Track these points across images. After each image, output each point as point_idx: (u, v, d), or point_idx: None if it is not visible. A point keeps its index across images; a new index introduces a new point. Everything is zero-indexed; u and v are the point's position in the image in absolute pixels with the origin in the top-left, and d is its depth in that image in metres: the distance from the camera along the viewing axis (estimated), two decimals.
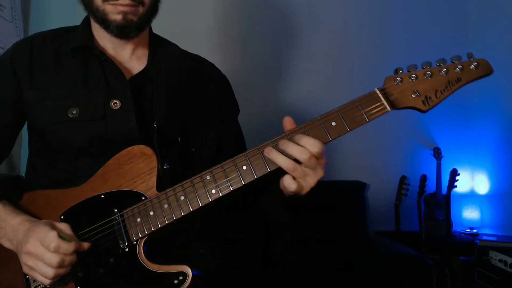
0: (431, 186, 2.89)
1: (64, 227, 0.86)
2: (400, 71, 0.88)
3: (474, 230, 2.91)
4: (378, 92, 0.86)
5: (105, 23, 0.98)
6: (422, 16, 3.04)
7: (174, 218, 0.87)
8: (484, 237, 2.72)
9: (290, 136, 0.85)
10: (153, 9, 1.02)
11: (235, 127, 1.21)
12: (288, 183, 0.85)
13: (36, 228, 0.84)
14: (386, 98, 0.85)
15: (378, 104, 0.85)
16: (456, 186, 2.85)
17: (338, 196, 2.64)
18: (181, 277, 0.85)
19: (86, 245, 0.87)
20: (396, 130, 3.00)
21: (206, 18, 2.94)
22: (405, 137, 3.00)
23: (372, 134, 2.97)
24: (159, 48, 1.09)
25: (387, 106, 0.85)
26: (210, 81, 1.15)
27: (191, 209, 0.87)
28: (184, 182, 0.88)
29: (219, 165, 0.87)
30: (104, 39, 1.05)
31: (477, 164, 3.04)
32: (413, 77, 0.87)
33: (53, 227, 0.85)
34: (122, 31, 0.98)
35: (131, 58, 1.06)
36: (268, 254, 2.34)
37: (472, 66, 0.86)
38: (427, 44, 2.98)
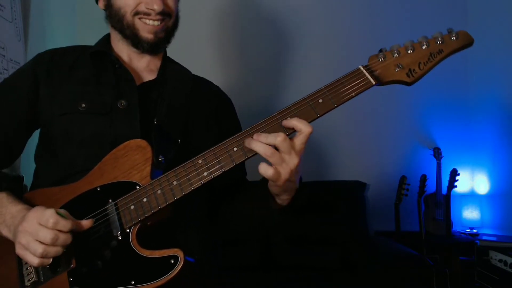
0: (431, 186, 2.89)
1: (63, 211, 0.87)
2: (384, 50, 0.91)
3: (474, 230, 2.91)
4: (362, 68, 0.88)
5: (136, 39, 1.04)
6: (421, 16, 3.04)
7: (167, 202, 0.87)
8: (484, 237, 2.73)
9: (279, 117, 0.86)
10: (177, 22, 1.09)
11: None
12: (264, 169, 0.85)
13: (34, 209, 0.86)
14: (370, 73, 0.87)
15: (363, 79, 0.87)
16: (456, 186, 2.85)
17: (338, 196, 2.64)
18: (172, 260, 0.85)
19: (85, 223, 0.87)
20: (396, 130, 3.00)
21: (204, 19, 2.94)
22: (405, 137, 3.00)
23: (372, 134, 2.98)
24: (171, 66, 1.15)
25: (372, 80, 0.87)
26: (214, 98, 1.19)
27: (183, 193, 0.87)
28: (176, 168, 0.89)
29: (210, 149, 0.89)
30: (122, 51, 1.10)
31: (477, 164, 3.05)
32: (395, 52, 0.89)
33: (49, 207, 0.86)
34: (153, 48, 1.06)
35: (144, 70, 1.12)
36: (268, 254, 2.34)
37: (453, 37, 0.89)
38: None
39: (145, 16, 1.02)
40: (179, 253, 0.85)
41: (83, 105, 1.00)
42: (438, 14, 3.06)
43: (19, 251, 0.87)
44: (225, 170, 0.87)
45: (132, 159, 0.92)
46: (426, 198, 2.90)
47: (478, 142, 3.03)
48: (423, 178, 2.81)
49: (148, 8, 1.00)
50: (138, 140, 0.94)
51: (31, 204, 0.95)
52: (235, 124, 1.23)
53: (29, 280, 0.91)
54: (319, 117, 0.87)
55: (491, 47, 2.89)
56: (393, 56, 0.89)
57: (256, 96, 2.88)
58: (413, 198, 2.81)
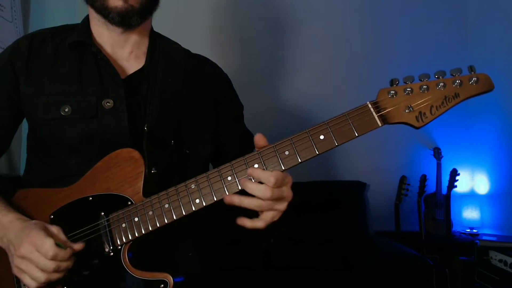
0: (431, 186, 2.89)
1: (57, 230, 0.87)
2: (396, 83, 0.82)
3: (474, 230, 2.91)
4: (370, 106, 0.82)
5: (106, 11, 0.95)
6: (422, 15, 3.04)
7: (158, 225, 0.87)
8: (484, 237, 2.72)
9: (278, 149, 0.83)
10: None
11: (239, 127, 1.18)
12: (253, 223, 0.85)
13: (30, 232, 0.85)
14: (378, 112, 0.81)
15: (369, 119, 0.81)
16: (456, 186, 2.85)
17: (338, 196, 2.64)
18: (162, 285, 0.86)
19: (77, 246, 0.87)
20: (396, 130, 2.97)
21: (204, 17, 2.94)
22: (405, 137, 3.00)
23: (372, 134, 2.96)
24: (159, 47, 1.07)
25: (378, 122, 0.81)
26: (210, 82, 1.11)
27: (175, 218, 0.86)
28: (169, 189, 0.88)
29: (204, 174, 0.86)
30: (103, 37, 1.03)
31: (477, 164, 3.05)
32: (408, 90, 0.81)
33: (48, 233, 0.85)
34: (124, 18, 0.96)
35: (129, 57, 1.04)
36: (268, 254, 2.34)
37: (472, 81, 0.80)
38: (427, 43, 2.98)
39: None
40: (169, 279, 0.86)
41: (66, 110, 0.95)
42: (438, 14, 3.06)
43: (16, 273, 0.86)
44: (217, 200, 0.85)
45: (124, 171, 0.91)
46: (426, 198, 2.90)
47: (478, 142, 3.03)
48: (423, 178, 2.81)
49: None
50: (131, 150, 0.91)
51: (23, 204, 0.95)
52: (235, 109, 1.18)
53: (24, 285, 0.91)
54: (318, 155, 0.84)
55: (491, 47, 2.89)
56: (404, 93, 0.81)
57: (255, 95, 2.88)
58: (413, 198, 2.82)
